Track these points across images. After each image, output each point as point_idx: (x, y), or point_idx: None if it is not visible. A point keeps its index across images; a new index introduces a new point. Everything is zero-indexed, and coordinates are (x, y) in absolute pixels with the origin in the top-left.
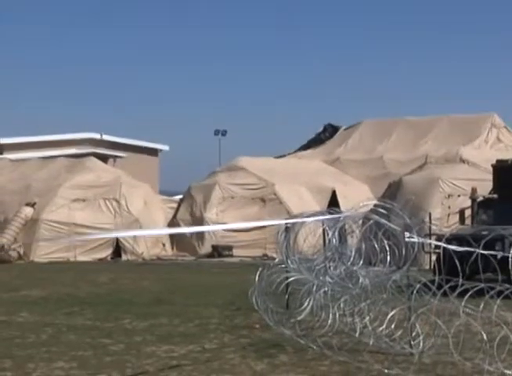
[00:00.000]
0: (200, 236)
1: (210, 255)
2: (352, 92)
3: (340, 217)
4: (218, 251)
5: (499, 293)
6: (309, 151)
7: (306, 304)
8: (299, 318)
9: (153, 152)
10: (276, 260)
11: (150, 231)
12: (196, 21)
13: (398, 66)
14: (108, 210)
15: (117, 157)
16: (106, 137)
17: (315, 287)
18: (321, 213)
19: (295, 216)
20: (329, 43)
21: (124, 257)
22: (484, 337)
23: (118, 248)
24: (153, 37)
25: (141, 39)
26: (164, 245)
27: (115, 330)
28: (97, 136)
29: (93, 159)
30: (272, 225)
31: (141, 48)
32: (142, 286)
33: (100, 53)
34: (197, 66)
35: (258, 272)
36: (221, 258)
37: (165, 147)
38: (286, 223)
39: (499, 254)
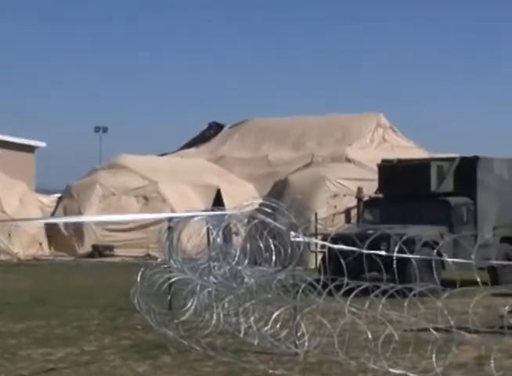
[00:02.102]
0: (80, 235)
1: (90, 255)
2: (238, 91)
3: (224, 216)
4: (98, 250)
5: (384, 292)
6: (193, 149)
7: (190, 304)
8: (182, 319)
9: (29, 149)
10: (159, 260)
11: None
12: (74, 14)
13: (286, 66)
14: None
15: None
16: None
17: (198, 287)
18: (205, 212)
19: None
20: (215, 40)
21: None
22: (370, 335)
23: None
24: (27, 28)
25: (18, 31)
26: (40, 244)
27: None
28: None
29: None
30: (155, 223)
31: (19, 41)
32: (17, 287)
33: None
34: (77, 60)
35: (140, 273)
36: (101, 258)
37: (42, 144)
38: (169, 221)
39: (384, 254)
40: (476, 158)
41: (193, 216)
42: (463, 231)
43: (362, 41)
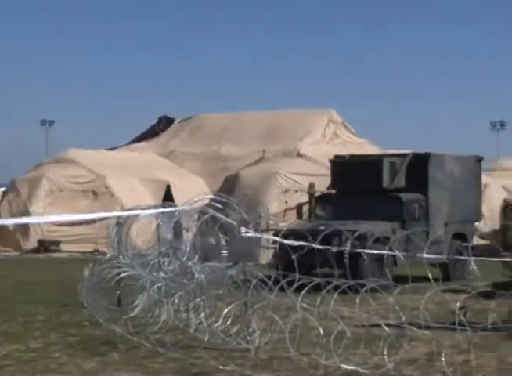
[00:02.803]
0: (25, 230)
1: (36, 250)
2: (189, 86)
3: (175, 211)
4: (44, 246)
5: (336, 288)
6: (143, 143)
7: (139, 300)
8: (131, 315)
9: None
10: (108, 255)
11: None
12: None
13: (238, 60)
14: None
15: None
16: None
17: (148, 283)
18: (155, 207)
19: (128, 210)
20: (159, 35)
21: None
22: (321, 331)
23: None
24: None
25: None
26: None
27: None
28: None
29: None
30: (104, 218)
31: None
32: None
33: None
34: (20, 51)
35: (88, 268)
36: (48, 254)
37: None
38: (118, 217)
39: (336, 249)
40: (428, 155)
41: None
42: (415, 227)
43: (315, 35)
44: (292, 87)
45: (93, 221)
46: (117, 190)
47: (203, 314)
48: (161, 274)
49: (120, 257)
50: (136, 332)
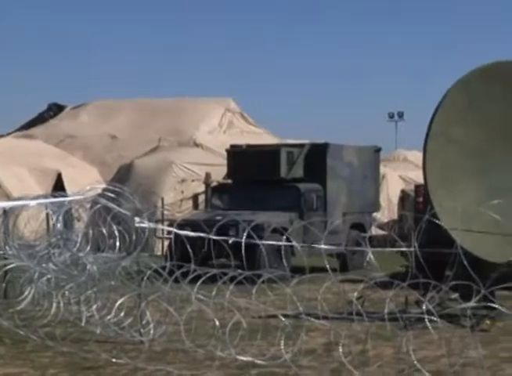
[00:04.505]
0: None
1: None
2: (78, 72)
3: (64, 201)
4: None
5: (232, 279)
6: (31, 131)
7: (27, 293)
8: (19, 308)
9: None
10: None
11: None
12: None
13: (128, 47)
14: None
15: None
16: None
17: (36, 275)
18: (44, 196)
19: (15, 200)
20: (44, 26)
21: None
22: (217, 323)
23: None
24: None
25: None
26: None
27: None
28: None
29: None
30: None
31: None
32: None
33: None
34: None
35: None
36: None
37: None
38: (4, 207)
39: (232, 240)
40: (326, 145)
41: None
42: (313, 217)
43: (208, 28)
44: (191, 76)
45: None
46: (4, 179)
47: (95, 306)
48: (51, 266)
49: (7, 248)
50: (24, 325)
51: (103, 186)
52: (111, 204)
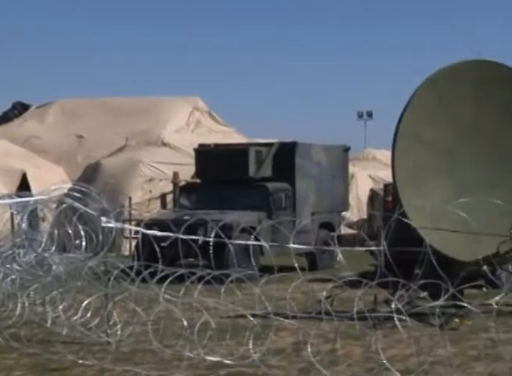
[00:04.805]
0: None
1: None
2: (41, 71)
3: (29, 200)
4: None
5: (201, 278)
6: None
7: None
8: None
9: None
10: None
11: None
12: None
13: (93, 45)
14: None
15: None
16: None
17: (1, 276)
18: (9, 196)
19: None
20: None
21: None
22: (185, 323)
23: None
24: None
25: None
26: None
27: None
28: None
29: None
30: None
31: None
32: None
33: None
34: None
35: None
36: None
37: None
38: None
39: (201, 240)
40: (294, 144)
41: None
42: (282, 217)
43: (174, 26)
44: (159, 75)
45: None
46: None
47: (61, 307)
48: (15, 266)
49: None
50: None
51: (69, 185)
52: (77, 204)
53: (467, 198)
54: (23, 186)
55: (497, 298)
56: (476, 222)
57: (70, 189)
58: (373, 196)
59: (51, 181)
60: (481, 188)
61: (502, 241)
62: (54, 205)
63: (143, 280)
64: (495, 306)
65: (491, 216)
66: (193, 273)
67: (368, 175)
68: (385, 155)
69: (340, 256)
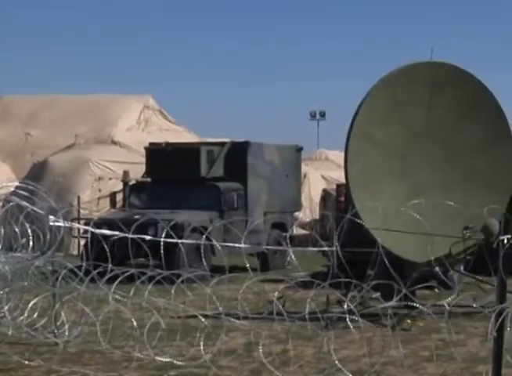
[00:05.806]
0: None
1: None
2: None
3: None
4: None
5: (151, 278)
6: None
7: None
8: None
9: None
10: None
11: None
12: None
13: (44, 40)
14: None
15: None
16: None
17: None
18: None
19: None
20: None
21: None
22: (135, 323)
23: None
24: None
25: None
26: None
27: None
28: None
29: None
30: None
31: None
32: None
33: None
34: None
35: None
36: None
37: None
38: None
39: (151, 239)
40: (246, 144)
41: None
42: (234, 217)
43: (126, 23)
44: (109, 73)
45: None
46: None
47: (6, 307)
48: None
49: None
50: None
51: (16, 183)
52: (24, 203)
53: (420, 199)
54: None
55: (449, 299)
56: (428, 224)
57: (17, 188)
58: (325, 196)
59: None
60: (434, 189)
61: (454, 242)
62: (0, 204)
63: (92, 280)
64: (447, 307)
65: (443, 217)
66: (144, 273)
67: (321, 175)
68: (338, 156)
69: (292, 256)
